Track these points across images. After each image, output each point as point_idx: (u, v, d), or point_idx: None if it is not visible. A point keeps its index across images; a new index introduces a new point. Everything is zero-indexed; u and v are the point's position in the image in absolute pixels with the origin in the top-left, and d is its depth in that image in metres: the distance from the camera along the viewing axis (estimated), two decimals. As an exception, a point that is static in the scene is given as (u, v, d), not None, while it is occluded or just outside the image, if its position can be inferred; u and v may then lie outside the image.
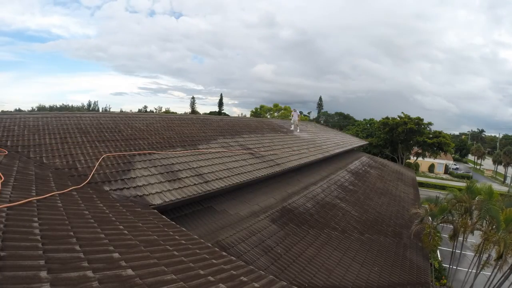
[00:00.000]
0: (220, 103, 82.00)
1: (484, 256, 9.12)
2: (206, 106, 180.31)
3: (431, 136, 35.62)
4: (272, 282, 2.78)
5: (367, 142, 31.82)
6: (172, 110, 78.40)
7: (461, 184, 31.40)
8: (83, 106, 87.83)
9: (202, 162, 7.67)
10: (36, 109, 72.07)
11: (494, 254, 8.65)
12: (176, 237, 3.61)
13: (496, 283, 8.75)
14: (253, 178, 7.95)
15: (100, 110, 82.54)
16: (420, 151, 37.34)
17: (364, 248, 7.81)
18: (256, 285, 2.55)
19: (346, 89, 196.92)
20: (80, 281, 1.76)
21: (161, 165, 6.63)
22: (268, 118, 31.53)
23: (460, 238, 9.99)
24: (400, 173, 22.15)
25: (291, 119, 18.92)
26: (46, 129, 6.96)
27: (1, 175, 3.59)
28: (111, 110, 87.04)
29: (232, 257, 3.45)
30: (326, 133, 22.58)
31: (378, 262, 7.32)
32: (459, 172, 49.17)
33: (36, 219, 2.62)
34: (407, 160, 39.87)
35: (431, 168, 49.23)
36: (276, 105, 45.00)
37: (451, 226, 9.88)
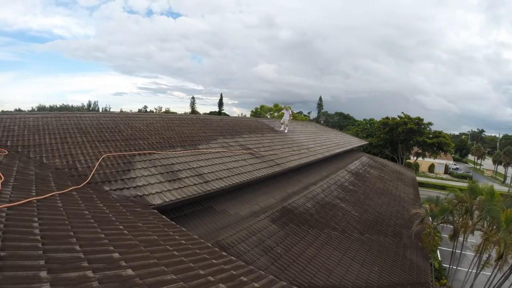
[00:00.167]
0: (220, 103, 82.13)
1: (484, 256, 9.12)
2: (206, 106, 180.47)
3: (431, 136, 35.62)
4: (272, 282, 2.78)
5: (367, 142, 31.81)
6: (172, 110, 78.56)
7: (461, 184, 31.46)
8: (83, 106, 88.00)
9: (202, 162, 7.67)
10: (36, 109, 72.12)
11: (494, 254, 8.65)
12: (176, 237, 3.61)
13: (496, 283, 8.75)
14: (253, 178, 7.95)
15: (100, 110, 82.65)
16: (420, 151, 37.34)
17: (364, 248, 7.80)
18: (256, 285, 2.55)
19: (348, 89, 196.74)
20: (80, 281, 1.76)
21: (161, 165, 6.63)
22: (268, 118, 31.53)
23: (460, 238, 10.00)
24: (400, 173, 22.16)
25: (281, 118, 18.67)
26: (46, 129, 6.96)
27: (1, 175, 3.59)
28: (111, 110, 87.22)
29: (232, 257, 3.45)
30: (326, 133, 22.57)
31: (378, 262, 7.32)
32: (459, 172, 49.19)
33: (36, 219, 2.62)
34: (407, 160, 39.87)
35: (431, 168, 49.24)
36: (276, 105, 44.95)
37: (451, 226, 9.88)
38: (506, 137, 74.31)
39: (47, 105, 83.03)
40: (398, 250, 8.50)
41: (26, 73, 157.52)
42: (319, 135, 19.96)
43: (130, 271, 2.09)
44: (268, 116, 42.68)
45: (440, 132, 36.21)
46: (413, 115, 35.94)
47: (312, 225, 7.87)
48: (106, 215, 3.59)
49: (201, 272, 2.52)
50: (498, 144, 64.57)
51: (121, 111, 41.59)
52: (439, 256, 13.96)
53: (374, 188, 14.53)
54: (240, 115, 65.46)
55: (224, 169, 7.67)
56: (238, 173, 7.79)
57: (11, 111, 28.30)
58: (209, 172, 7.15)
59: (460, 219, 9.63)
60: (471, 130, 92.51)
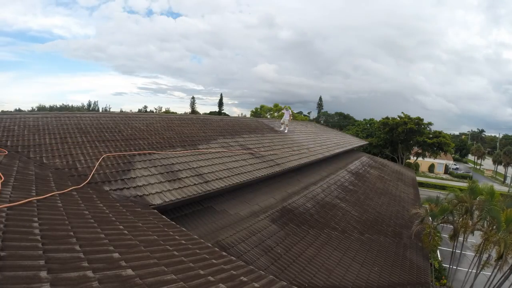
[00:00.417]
0: (220, 103, 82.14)
1: (484, 256, 9.12)
2: (206, 106, 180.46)
3: (431, 136, 35.63)
4: (272, 282, 2.78)
5: (367, 142, 31.81)
6: (172, 110, 78.55)
7: (461, 184, 31.46)
8: (83, 106, 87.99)
9: (202, 162, 7.67)
10: (36, 109, 72.12)
11: (494, 254, 8.65)
12: (176, 237, 3.61)
13: (496, 283, 8.75)
14: (253, 178, 7.95)
15: (100, 110, 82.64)
16: (420, 151, 37.35)
17: (364, 248, 7.80)
18: (256, 285, 2.55)
19: (348, 89, 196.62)
20: (80, 281, 1.76)
21: (161, 165, 6.63)
22: (268, 118, 31.52)
23: (460, 238, 9.99)
24: (400, 173, 22.15)
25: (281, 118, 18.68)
26: (46, 129, 6.95)
27: (1, 175, 3.59)
28: (111, 110, 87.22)
29: (232, 257, 3.45)
30: (326, 133, 22.57)
31: (378, 262, 7.32)
32: (459, 172, 49.19)
33: (36, 219, 2.62)
34: (407, 160, 39.87)
35: (431, 168, 49.24)
36: (276, 105, 44.94)
37: (451, 226, 9.88)
38: (506, 137, 74.32)
39: (47, 105, 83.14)
40: (398, 250, 8.50)
41: (26, 73, 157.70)
42: (319, 135, 19.96)
43: (130, 271, 2.09)
44: (268, 116, 42.66)
45: (440, 132, 36.22)
46: (413, 115, 36.00)
47: (312, 225, 7.87)
48: (106, 215, 3.59)
49: (201, 272, 2.52)
50: (498, 144, 64.57)
51: (121, 111, 41.58)
52: (439, 256, 13.96)
53: (374, 188, 14.53)
54: (240, 115, 65.43)
55: (224, 169, 7.67)
56: (238, 173, 7.79)
57: (11, 111, 28.29)
58: (209, 172, 7.15)
59: (460, 219, 9.63)
60: (471, 130, 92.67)
